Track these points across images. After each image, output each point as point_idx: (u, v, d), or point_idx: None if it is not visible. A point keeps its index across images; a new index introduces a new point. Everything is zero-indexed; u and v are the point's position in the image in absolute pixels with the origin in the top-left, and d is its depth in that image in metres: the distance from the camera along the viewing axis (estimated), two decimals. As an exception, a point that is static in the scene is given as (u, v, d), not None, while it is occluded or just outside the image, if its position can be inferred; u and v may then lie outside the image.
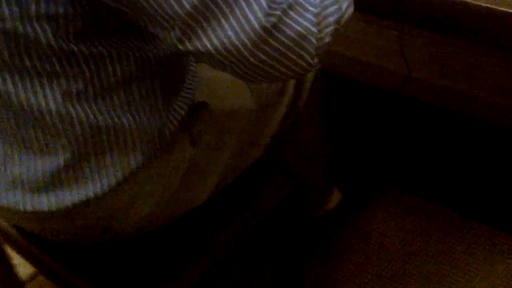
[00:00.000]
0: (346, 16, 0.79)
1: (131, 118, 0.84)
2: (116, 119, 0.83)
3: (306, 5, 0.71)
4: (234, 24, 0.68)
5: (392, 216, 1.52)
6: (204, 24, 0.68)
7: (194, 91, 0.94)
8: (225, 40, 0.68)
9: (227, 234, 1.02)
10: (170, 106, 0.89)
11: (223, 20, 0.68)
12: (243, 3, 0.67)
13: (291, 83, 1.13)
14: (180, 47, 0.71)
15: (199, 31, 0.68)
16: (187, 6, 0.66)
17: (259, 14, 0.67)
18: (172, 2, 0.67)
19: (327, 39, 0.74)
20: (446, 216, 1.50)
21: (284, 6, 0.69)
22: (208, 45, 0.69)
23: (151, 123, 0.86)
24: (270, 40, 0.69)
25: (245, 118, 1.04)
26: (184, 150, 0.94)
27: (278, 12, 0.68)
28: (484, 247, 1.42)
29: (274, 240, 1.16)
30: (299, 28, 0.70)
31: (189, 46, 0.70)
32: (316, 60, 0.73)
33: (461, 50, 1.58)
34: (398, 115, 1.72)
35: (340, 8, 0.76)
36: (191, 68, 0.94)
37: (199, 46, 0.69)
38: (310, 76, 1.18)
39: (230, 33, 0.68)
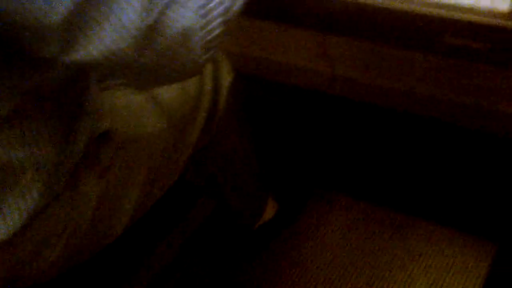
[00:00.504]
0: (236, 6, 0.77)
1: (26, 154, 0.78)
2: (9, 155, 0.77)
3: None
4: (116, 25, 0.65)
5: (329, 219, 1.51)
6: (86, 32, 0.65)
7: (97, 119, 0.89)
8: (110, 44, 0.66)
9: (151, 262, 0.99)
10: (69, 138, 0.84)
11: (103, 24, 0.65)
12: (121, 3, 0.65)
13: (206, 96, 1.10)
14: (66, 59, 0.67)
15: (82, 40, 0.65)
16: (62, 16, 0.63)
17: (140, 12, 0.65)
18: (43, 17, 0.63)
19: (216, 32, 0.73)
20: (382, 214, 1.49)
21: (164, 1, 0.67)
22: (94, 52, 0.66)
23: (50, 158, 0.81)
24: (155, 37, 0.67)
25: (157, 140, 1.00)
26: (92, 183, 0.89)
27: (157, 8, 0.67)
28: (421, 242, 1.41)
29: (208, 256, 1.13)
30: (183, 23, 0.69)
31: (76, 56, 0.66)
32: (207, 55, 0.72)
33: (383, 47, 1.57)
34: (326, 115, 1.71)
35: None
36: (91, 95, 0.89)
37: (86, 55, 0.66)
38: (225, 86, 1.15)
39: (113, 35, 0.65)
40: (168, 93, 1.01)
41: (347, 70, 1.64)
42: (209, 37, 0.72)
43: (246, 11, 0.86)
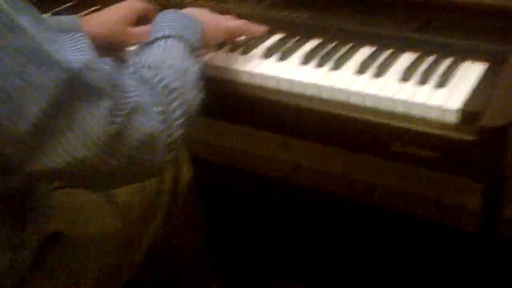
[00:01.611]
0: (195, 106, 0.83)
1: None
2: None
3: (150, 106, 0.73)
4: (80, 135, 0.67)
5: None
6: (50, 141, 0.66)
7: (46, 220, 0.88)
8: (74, 153, 0.67)
9: None
10: (16, 241, 0.82)
11: (67, 133, 0.66)
12: (85, 114, 0.66)
13: (165, 195, 1.09)
14: (28, 168, 0.67)
15: (47, 148, 0.66)
16: (29, 125, 0.64)
17: (102, 123, 0.67)
18: (11, 126, 0.63)
19: (178, 133, 0.77)
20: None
21: (127, 111, 0.70)
22: (58, 160, 0.67)
23: None
24: (118, 146, 0.70)
25: (112, 239, 0.98)
26: (39, 285, 0.87)
27: (120, 119, 0.69)
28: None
29: None
30: (146, 130, 0.72)
31: (38, 165, 0.67)
32: (169, 155, 0.76)
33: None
34: (290, 204, 1.71)
35: (185, 101, 0.79)
36: (40, 195, 0.88)
37: (49, 163, 0.67)
38: (184, 184, 1.15)
39: (77, 145, 0.67)
40: (125, 192, 1.01)
41: (308, 161, 1.66)
42: (170, 140, 0.75)
43: (205, 113, 0.89)
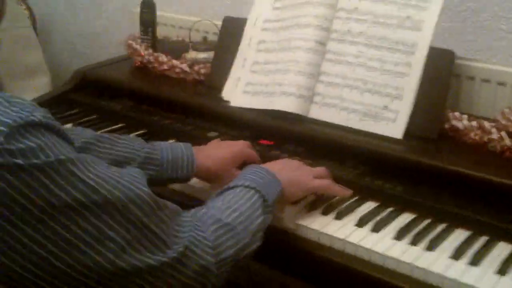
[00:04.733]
0: (249, 251, 0.91)
1: None
2: None
3: (204, 241, 0.83)
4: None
5: None
6: None
7: None
8: None
9: None
10: None
11: None
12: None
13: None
14: None
15: None
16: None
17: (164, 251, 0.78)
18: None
19: (225, 268, 0.86)
20: None
21: (185, 243, 0.80)
22: None
23: None
24: (174, 273, 0.79)
25: None
26: None
27: (180, 248, 0.79)
28: None
29: None
30: (199, 262, 0.81)
31: None
32: (217, 281, 0.85)
33: None
34: None
35: (239, 243, 0.88)
36: None
37: None
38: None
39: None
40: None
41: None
42: (218, 272, 0.85)
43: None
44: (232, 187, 0.97)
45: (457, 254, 0.97)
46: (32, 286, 0.71)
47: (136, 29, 1.71)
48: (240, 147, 1.19)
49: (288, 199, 1.06)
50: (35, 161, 0.67)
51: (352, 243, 1.00)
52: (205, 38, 1.62)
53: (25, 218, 0.67)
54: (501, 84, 1.28)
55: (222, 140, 1.25)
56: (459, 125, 1.20)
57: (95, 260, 0.72)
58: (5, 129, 0.67)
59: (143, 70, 1.63)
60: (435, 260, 0.96)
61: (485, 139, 1.16)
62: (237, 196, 0.95)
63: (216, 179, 1.14)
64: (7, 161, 0.66)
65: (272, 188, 1.00)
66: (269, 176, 1.01)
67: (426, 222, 1.06)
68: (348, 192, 1.11)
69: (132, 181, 0.77)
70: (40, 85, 2.18)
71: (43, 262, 0.69)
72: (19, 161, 0.66)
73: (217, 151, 1.17)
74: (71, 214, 0.70)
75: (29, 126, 0.68)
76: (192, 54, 1.58)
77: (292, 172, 1.08)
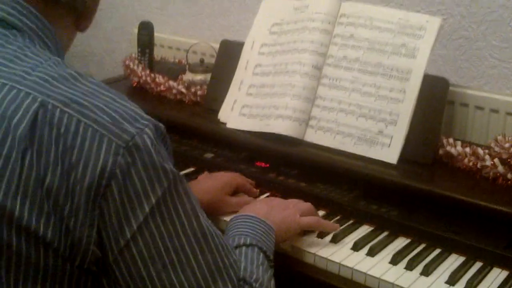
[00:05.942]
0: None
1: None
2: None
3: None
4: None
5: None
6: None
7: None
8: None
9: None
10: None
11: None
12: None
13: None
14: None
15: None
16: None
17: None
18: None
19: None
20: None
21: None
22: None
23: None
24: None
25: None
26: None
27: None
28: None
29: None
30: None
31: None
32: None
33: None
34: None
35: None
36: None
37: None
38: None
39: None
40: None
41: None
42: None
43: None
44: (236, 248, 0.93)
45: (452, 280, 0.98)
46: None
47: (133, 49, 1.72)
48: (229, 176, 1.20)
49: (278, 242, 1.03)
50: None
51: (348, 266, 1.01)
52: (202, 60, 1.63)
53: None
54: (494, 111, 1.30)
55: (218, 161, 1.25)
56: (453, 151, 1.21)
57: None
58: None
59: (140, 90, 1.64)
60: (431, 285, 0.96)
61: (479, 165, 1.18)
62: (246, 259, 0.91)
63: (209, 210, 1.11)
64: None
65: (269, 239, 0.98)
66: (262, 225, 0.99)
67: (421, 246, 1.08)
68: (335, 226, 1.11)
69: None
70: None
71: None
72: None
73: (206, 182, 1.18)
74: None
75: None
76: (189, 76, 1.59)
77: (280, 213, 1.06)
